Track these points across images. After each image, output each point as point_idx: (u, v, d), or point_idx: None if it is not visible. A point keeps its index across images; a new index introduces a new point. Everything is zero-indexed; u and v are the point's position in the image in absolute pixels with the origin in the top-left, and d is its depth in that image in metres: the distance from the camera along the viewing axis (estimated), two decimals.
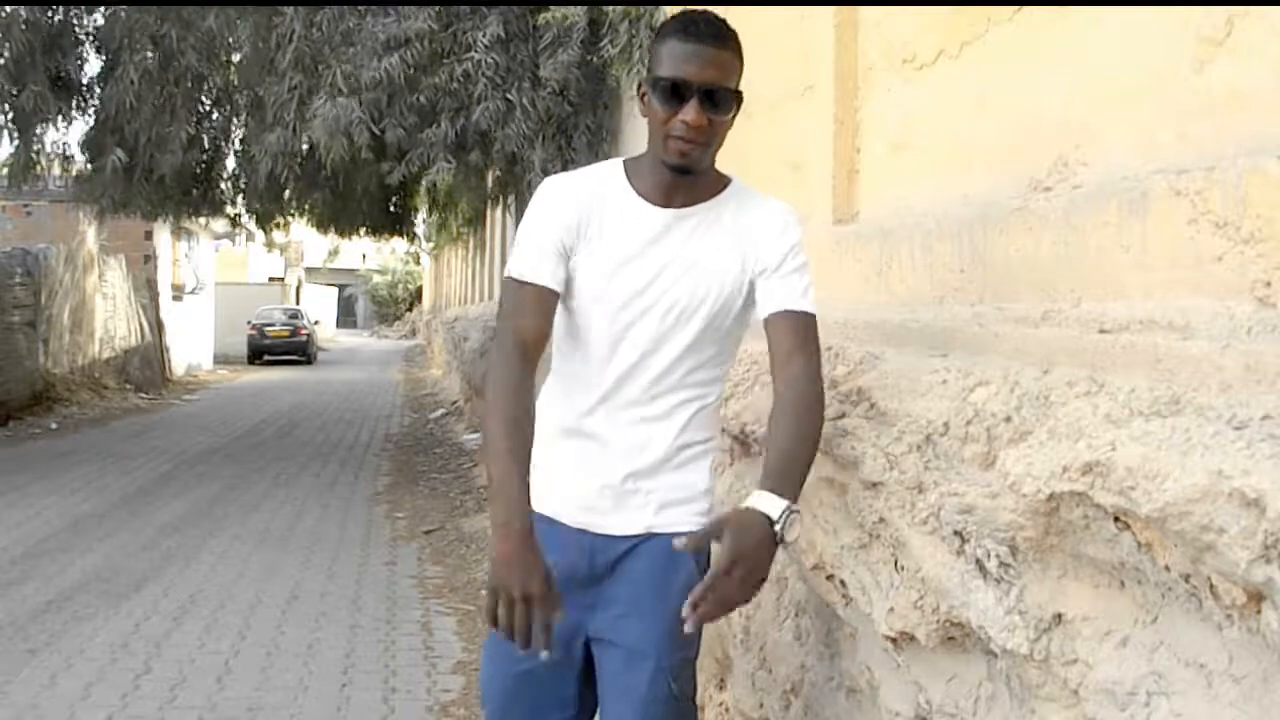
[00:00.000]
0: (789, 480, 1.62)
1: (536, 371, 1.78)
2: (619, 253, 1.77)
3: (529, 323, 1.75)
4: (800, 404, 1.68)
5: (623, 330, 1.78)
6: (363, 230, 13.83)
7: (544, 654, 1.60)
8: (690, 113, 1.66)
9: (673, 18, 1.76)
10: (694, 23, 1.71)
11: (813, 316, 1.76)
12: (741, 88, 1.75)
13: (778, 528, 1.56)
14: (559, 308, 1.83)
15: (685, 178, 1.75)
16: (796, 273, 1.76)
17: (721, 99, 1.69)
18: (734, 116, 1.74)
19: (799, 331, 1.73)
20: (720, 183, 1.83)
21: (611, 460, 1.79)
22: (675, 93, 1.67)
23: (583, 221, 1.77)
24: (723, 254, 1.77)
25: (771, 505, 1.57)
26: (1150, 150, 1.58)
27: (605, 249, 1.77)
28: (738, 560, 1.53)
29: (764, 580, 1.59)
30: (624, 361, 1.78)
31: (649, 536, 1.78)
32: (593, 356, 1.81)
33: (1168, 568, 1.15)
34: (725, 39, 1.71)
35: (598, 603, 1.80)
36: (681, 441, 1.80)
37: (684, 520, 1.77)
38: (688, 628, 1.56)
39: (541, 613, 1.57)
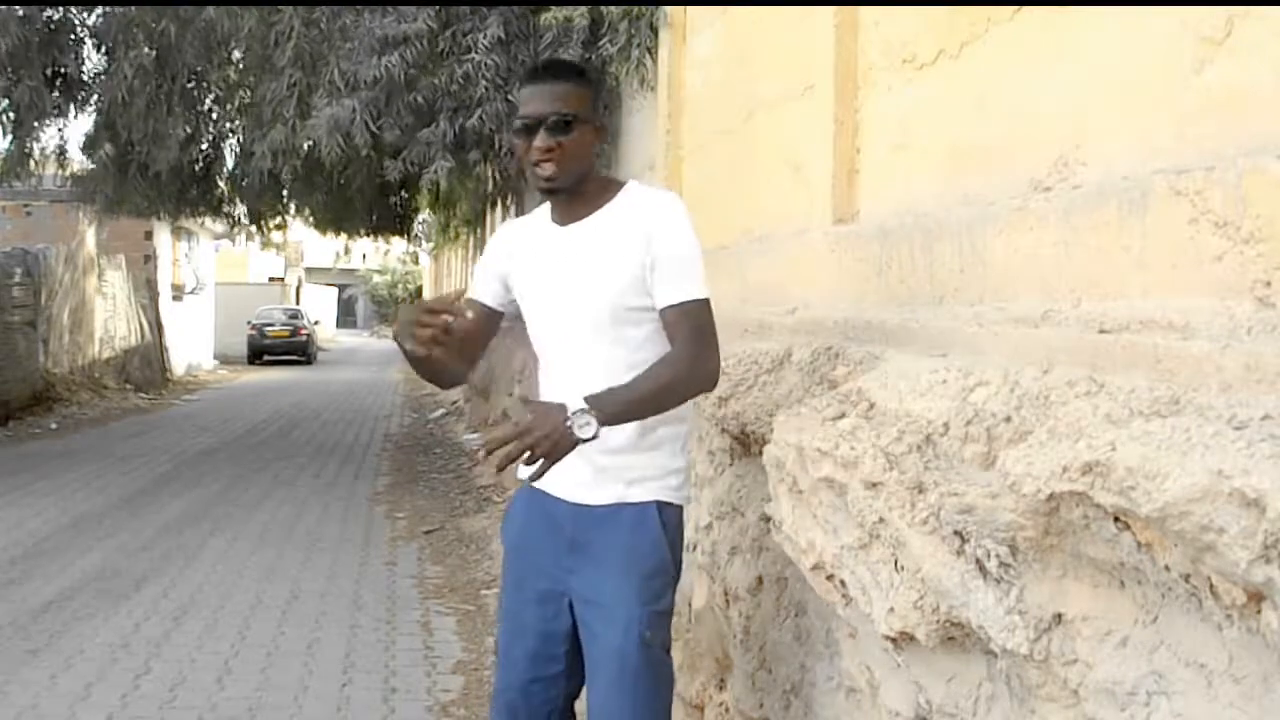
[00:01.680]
0: (605, 397, 1.88)
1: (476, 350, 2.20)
2: (532, 269, 2.11)
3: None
4: (662, 365, 1.97)
5: (555, 332, 2.09)
6: (363, 230, 13.84)
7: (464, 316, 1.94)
8: (539, 140, 1.99)
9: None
10: (536, 68, 2.15)
11: (695, 302, 1.99)
12: (596, 119, 2.08)
13: (569, 422, 1.83)
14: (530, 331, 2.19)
15: (562, 195, 2.05)
16: (671, 263, 1.99)
17: (561, 124, 1.99)
18: (593, 137, 2.05)
19: (679, 319, 1.99)
20: (614, 189, 2.09)
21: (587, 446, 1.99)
22: (527, 129, 2.00)
23: (513, 252, 2.15)
24: (615, 250, 2.01)
25: (573, 402, 1.86)
26: (1150, 150, 1.58)
27: (529, 272, 2.12)
28: (528, 429, 1.83)
29: (549, 459, 1.84)
30: (567, 359, 2.07)
31: (621, 506, 2.02)
32: (547, 362, 2.14)
33: (1168, 568, 1.16)
34: (563, 74, 2.07)
35: (576, 567, 2.05)
36: (646, 425, 2.02)
37: (653, 493, 2.03)
38: (483, 457, 1.88)
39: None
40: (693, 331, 1.98)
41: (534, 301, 2.12)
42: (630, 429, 2.00)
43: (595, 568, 2.02)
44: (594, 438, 1.85)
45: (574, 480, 2.02)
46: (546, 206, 2.15)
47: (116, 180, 8.72)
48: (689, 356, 1.97)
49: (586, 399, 1.86)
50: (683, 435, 2.11)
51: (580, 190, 2.05)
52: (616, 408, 1.90)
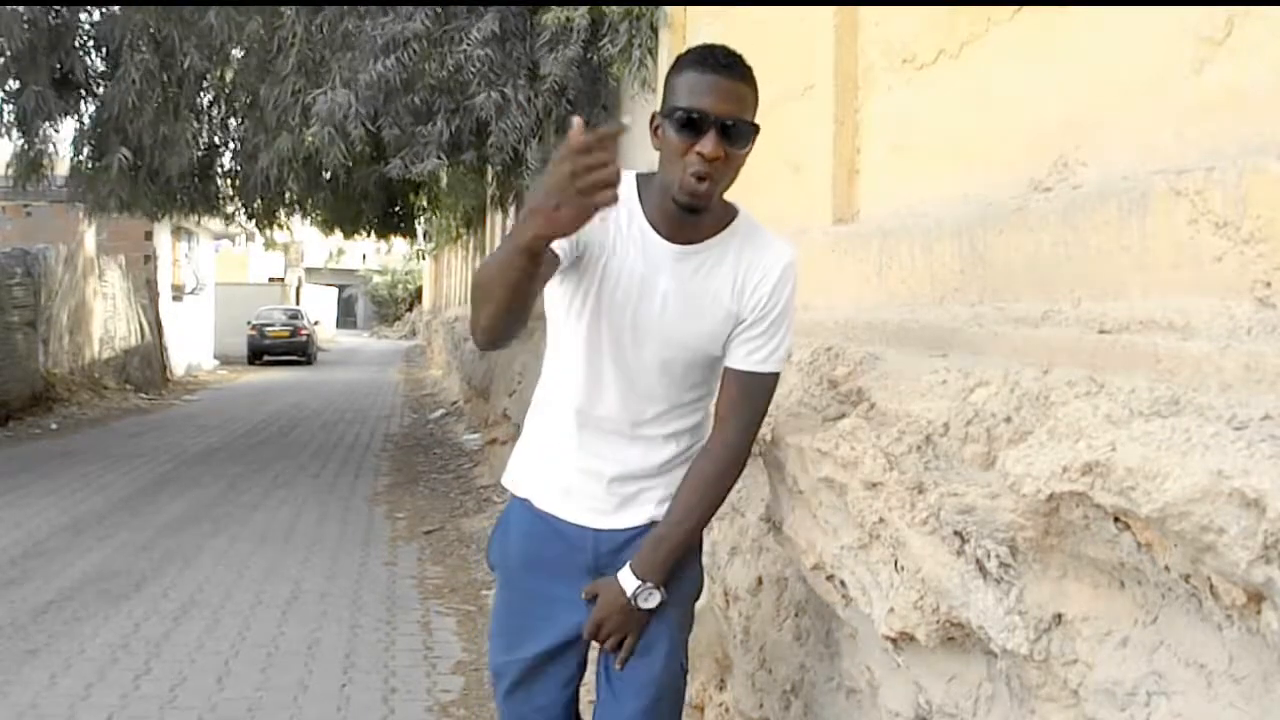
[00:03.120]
0: (653, 561, 1.82)
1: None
2: (624, 279, 1.77)
3: None
4: (705, 477, 1.83)
5: (619, 353, 1.81)
6: (365, 231, 13.85)
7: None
8: (708, 144, 1.65)
9: (690, 50, 1.78)
10: (712, 54, 1.71)
11: (770, 376, 1.83)
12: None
13: (633, 600, 1.81)
14: (556, 320, 1.88)
15: (692, 216, 1.74)
16: (768, 332, 1.79)
17: (739, 132, 1.67)
18: (749, 150, 1.73)
19: (747, 391, 1.81)
20: (727, 215, 1.82)
21: (611, 468, 1.87)
22: (692, 124, 1.65)
23: (591, 235, 1.71)
24: (722, 294, 1.79)
25: (629, 582, 1.81)
26: (1150, 150, 1.58)
27: (612, 272, 1.77)
28: (600, 623, 1.84)
29: (631, 636, 1.84)
30: (617, 379, 1.83)
31: (651, 524, 1.88)
32: (589, 375, 1.84)
33: (1168, 568, 1.15)
34: (743, 72, 1.71)
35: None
36: (675, 453, 1.90)
37: None
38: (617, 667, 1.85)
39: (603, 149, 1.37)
40: (754, 412, 1.83)
41: (612, 308, 1.79)
42: (658, 458, 1.87)
43: None
44: (663, 602, 1.83)
45: (594, 508, 1.87)
46: (631, 188, 1.79)
47: (128, 184, 8.73)
48: (738, 445, 1.83)
49: (633, 568, 1.80)
50: (700, 448, 1.96)
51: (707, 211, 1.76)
52: (669, 561, 1.83)
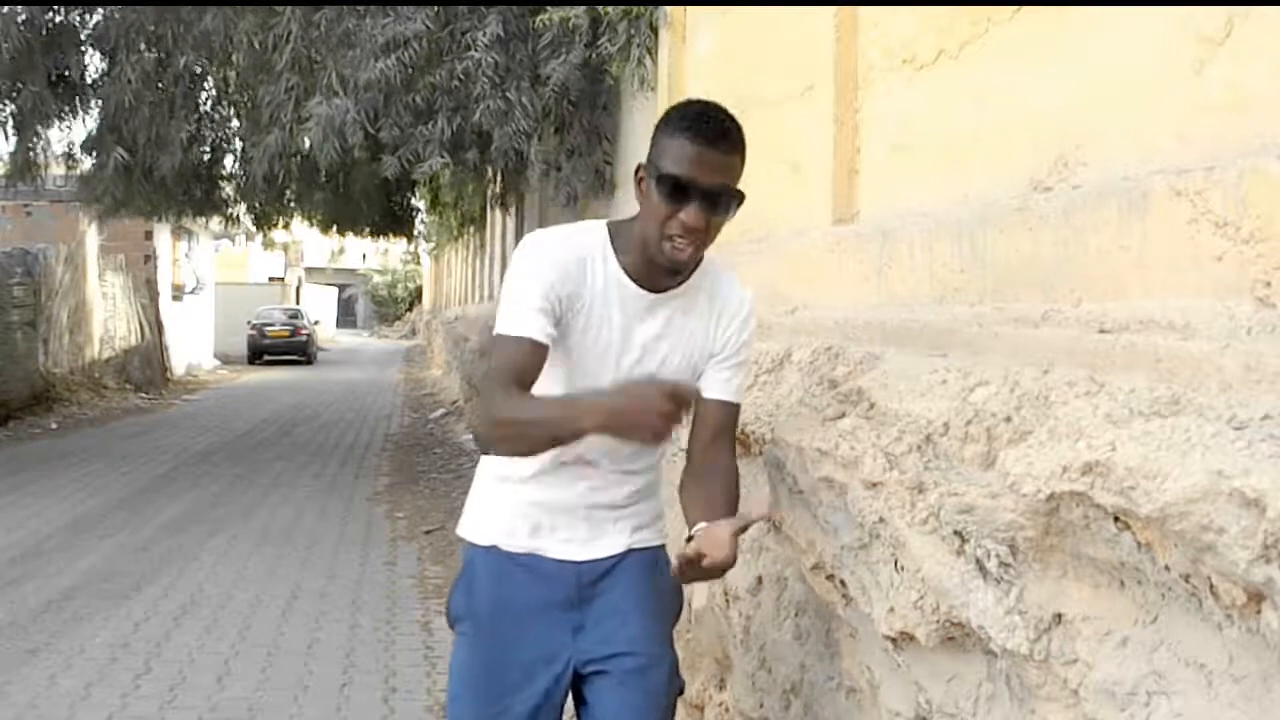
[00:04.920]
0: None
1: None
2: (604, 330, 1.81)
3: (521, 366, 1.74)
4: (728, 488, 1.84)
5: None
6: (364, 230, 13.87)
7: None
8: (691, 215, 1.68)
9: (684, 109, 1.77)
10: (707, 122, 1.70)
11: (738, 406, 1.94)
12: (742, 186, 1.76)
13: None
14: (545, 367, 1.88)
15: (673, 276, 1.81)
16: (739, 366, 1.90)
17: (723, 202, 1.71)
18: (731, 216, 1.77)
19: (726, 419, 1.89)
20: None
21: (585, 499, 1.89)
22: (679, 191, 1.67)
23: (571, 290, 1.77)
24: (697, 334, 1.87)
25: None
26: (1150, 150, 1.58)
27: (594, 324, 1.80)
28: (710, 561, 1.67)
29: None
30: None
31: (630, 552, 1.91)
32: None
33: (1168, 568, 1.16)
34: (734, 142, 1.72)
35: (586, 624, 1.87)
36: (641, 485, 1.95)
37: (652, 538, 1.96)
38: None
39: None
40: (733, 439, 1.91)
41: (589, 358, 1.81)
42: (628, 487, 1.90)
43: (618, 616, 1.86)
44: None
45: (572, 540, 1.88)
46: (597, 237, 1.82)
47: (123, 184, 8.73)
48: (735, 467, 1.89)
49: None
50: (661, 478, 2.03)
51: None
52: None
